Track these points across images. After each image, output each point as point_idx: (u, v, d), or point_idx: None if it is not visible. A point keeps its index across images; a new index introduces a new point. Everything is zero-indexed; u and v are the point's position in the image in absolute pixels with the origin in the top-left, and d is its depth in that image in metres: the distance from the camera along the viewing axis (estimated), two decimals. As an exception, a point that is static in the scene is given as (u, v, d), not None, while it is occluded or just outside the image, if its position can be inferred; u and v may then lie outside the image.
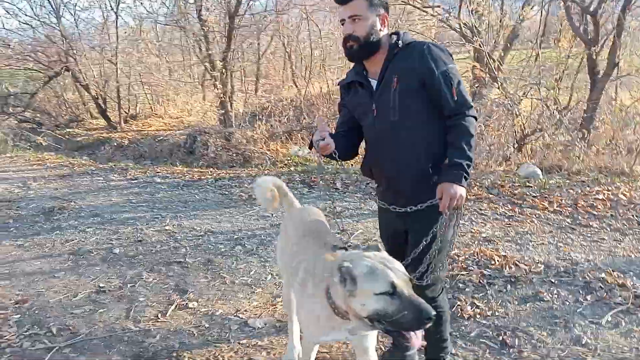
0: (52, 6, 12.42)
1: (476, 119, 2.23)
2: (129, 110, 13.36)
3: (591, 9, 6.56)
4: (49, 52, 12.57)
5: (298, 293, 2.28)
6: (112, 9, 12.64)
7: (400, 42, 2.24)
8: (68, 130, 12.77)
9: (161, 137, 11.08)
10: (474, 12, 7.55)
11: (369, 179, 2.66)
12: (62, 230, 5.20)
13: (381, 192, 2.49)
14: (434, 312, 1.74)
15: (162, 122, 13.14)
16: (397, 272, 1.83)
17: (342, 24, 2.29)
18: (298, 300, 2.32)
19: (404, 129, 2.22)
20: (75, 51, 12.13)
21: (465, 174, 2.13)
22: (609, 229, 4.66)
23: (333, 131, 2.49)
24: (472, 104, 2.24)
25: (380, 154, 2.34)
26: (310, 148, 2.38)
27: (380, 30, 2.26)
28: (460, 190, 2.12)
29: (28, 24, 12.96)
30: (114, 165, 8.59)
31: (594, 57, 6.72)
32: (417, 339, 2.01)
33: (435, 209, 2.20)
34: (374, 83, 2.30)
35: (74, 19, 13.06)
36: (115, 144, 11.32)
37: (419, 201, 2.26)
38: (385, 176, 2.39)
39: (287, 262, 2.55)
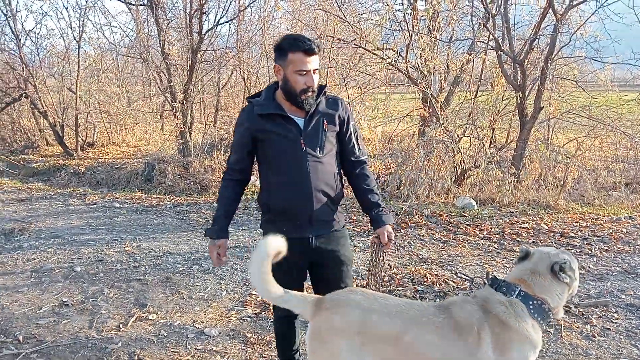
0: (13, 33, 12.53)
1: None
2: (86, 138, 13.45)
3: (520, 58, 7.38)
4: (8, 78, 12.65)
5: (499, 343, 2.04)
6: (75, 39, 12.85)
7: (325, 90, 2.59)
8: (23, 156, 12.73)
9: (119, 165, 11.25)
10: (420, 56, 8.28)
11: (269, 213, 2.61)
12: (23, 250, 5.40)
13: (293, 225, 2.51)
14: None
15: (119, 150, 13.29)
16: None
17: (301, 75, 2.38)
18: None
19: (326, 165, 2.52)
20: (35, 78, 12.24)
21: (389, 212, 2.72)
22: (529, 253, 5.25)
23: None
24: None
25: (303, 185, 2.47)
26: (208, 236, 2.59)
27: None
28: (391, 227, 2.70)
29: (-13, 50, 13.04)
30: (72, 190, 8.73)
31: (523, 101, 7.50)
32: None
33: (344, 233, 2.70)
34: (295, 119, 2.49)
35: (36, 47, 13.17)
36: (71, 170, 11.37)
37: (332, 227, 2.60)
38: (305, 206, 2.49)
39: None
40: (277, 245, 2.13)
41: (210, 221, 2.62)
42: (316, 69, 2.43)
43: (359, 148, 2.68)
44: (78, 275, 4.71)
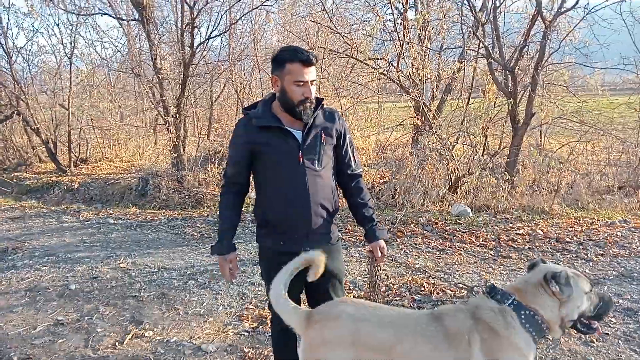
0: (3, 50, 12.51)
1: None
2: (79, 154, 13.41)
3: (510, 65, 7.43)
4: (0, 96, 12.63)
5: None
6: (66, 55, 12.85)
7: (322, 102, 2.58)
8: (16, 174, 12.66)
9: (112, 180, 11.20)
10: (411, 65, 8.33)
11: (266, 227, 2.58)
12: (17, 269, 5.36)
13: (290, 239, 2.51)
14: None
15: (112, 165, 13.24)
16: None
17: (298, 86, 2.38)
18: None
19: (324, 178, 2.52)
20: (26, 95, 12.22)
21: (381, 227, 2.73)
22: (525, 259, 5.25)
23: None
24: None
25: (302, 199, 2.46)
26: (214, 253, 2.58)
27: None
28: (384, 242, 2.72)
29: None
30: (66, 207, 8.68)
31: (515, 107, 7.55)
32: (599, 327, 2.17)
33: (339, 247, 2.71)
34: (293, 132, 2.47)
35: (27, 64, 13.16)
36: (65, 187, 11.30)
37: (328, 240, 2.60)
38: (304, 221, 2.48)
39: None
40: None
41: (216, 237, 2.60)
42: (314, 80, 2.43)
43: (355, 161, 2.68)
44: (73, 294, 4.67)
